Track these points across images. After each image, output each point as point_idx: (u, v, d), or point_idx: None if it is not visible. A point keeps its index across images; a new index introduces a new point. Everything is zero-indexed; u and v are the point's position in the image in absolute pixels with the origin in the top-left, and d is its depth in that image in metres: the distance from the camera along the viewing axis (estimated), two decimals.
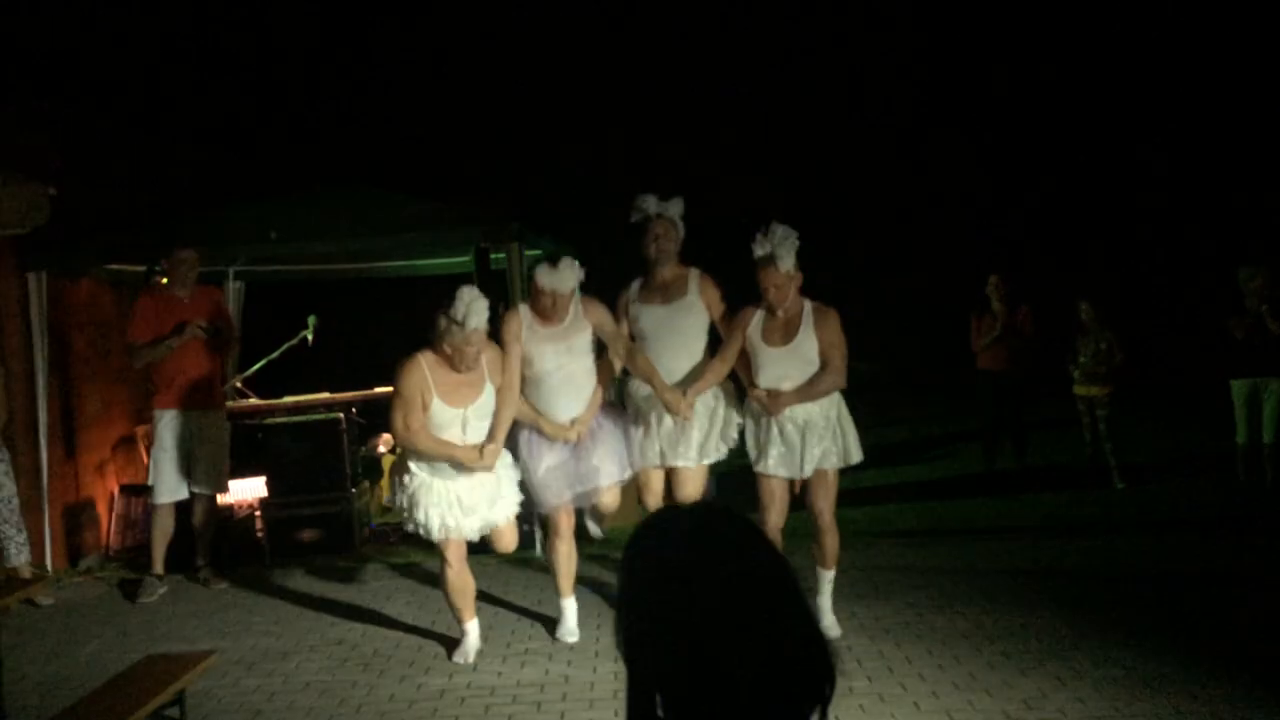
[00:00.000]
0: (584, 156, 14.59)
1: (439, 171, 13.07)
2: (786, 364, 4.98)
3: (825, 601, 5.19)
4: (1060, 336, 8.51)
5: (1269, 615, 5.10)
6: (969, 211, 14.21)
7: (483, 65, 14.57)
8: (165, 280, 6.77)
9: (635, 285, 5.41)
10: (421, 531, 5.04)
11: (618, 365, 5.43)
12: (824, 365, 4.98)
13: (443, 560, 5.08)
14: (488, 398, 4.96)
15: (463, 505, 4.96)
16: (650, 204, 5.31)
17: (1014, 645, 4.86)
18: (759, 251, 4.96)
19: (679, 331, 5.24)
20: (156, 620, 5.97)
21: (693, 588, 1.28)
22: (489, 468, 4.97)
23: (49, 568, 6.77)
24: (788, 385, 4.97)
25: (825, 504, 5.11)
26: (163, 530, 6.50)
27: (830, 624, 5.14)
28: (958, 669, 4.62)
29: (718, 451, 5.35)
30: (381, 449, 8.64)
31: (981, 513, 7.75)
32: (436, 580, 6.45)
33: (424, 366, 4.81)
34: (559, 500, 5.28)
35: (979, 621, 5.21)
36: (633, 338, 5.34)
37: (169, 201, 7.87)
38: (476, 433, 4.95)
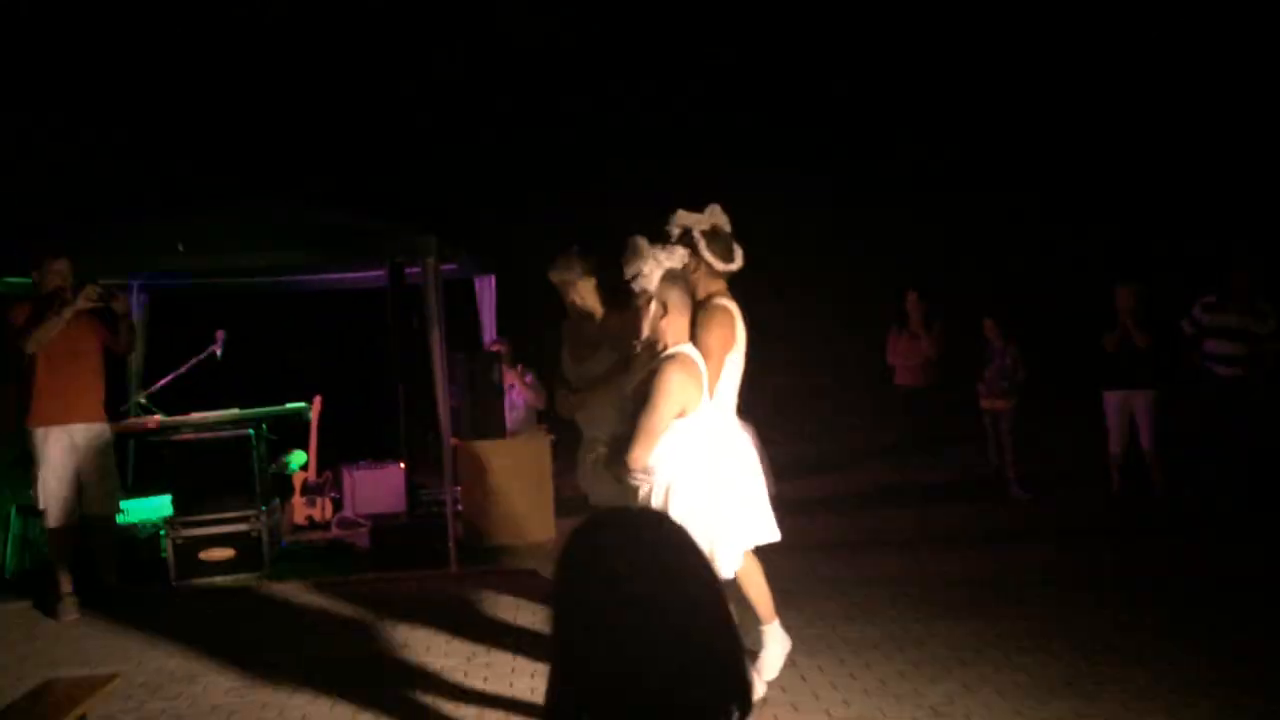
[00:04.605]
0: (507, 169, 14.52)
1: (355, 183, 12.89)
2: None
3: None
4: (969, 352, 8.81)
5: (1164, 618, 5.32)
6: (882, 226, 14.43)
7: (402, 74, 14.42)
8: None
9: None
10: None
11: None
12: None
13: None
14: (597, 363, 4.93)
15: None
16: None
17: (924, 653, 4.97)
18: None
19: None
20: (56, 644, 5.77)
21: (621, 590, 1.30)
22: (564, 412, 5.07)
23: None
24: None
25: None
26: (64, 551, 6.29)
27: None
28: (869, 677, 4.71)
29: None
30: (293, 466, 8.48)
31: (892, 524, 7.90)
32: (349, 597, 6.37)
33: (567, 323, 5.13)
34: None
35: (890, 631, 5.32)
36: None
37: (79, 211, 7.63)
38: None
